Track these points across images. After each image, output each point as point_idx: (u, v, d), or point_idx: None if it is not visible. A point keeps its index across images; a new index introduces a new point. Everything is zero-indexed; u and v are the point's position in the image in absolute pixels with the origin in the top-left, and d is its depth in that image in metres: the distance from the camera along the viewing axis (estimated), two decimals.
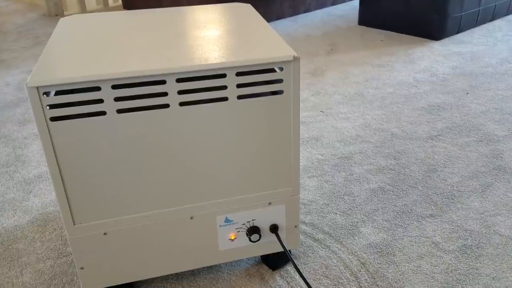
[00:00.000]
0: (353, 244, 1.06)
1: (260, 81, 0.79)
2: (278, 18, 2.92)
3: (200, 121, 0.79)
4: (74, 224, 0.82)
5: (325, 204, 1.20)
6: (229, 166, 0.84)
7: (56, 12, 3.25)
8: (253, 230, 0.91)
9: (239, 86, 0.78)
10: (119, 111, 0.75)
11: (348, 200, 1.21)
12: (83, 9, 3.29)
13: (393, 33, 2.57)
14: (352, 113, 1.68)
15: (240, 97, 0.79)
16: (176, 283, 0.98)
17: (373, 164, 1.37)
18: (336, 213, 1.17)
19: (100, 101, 0.73)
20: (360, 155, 1.41)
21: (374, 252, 1.04)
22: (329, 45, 2.42)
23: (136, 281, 0.97)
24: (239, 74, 0.77)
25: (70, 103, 0.73)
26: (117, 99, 0.74)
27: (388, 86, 1.91)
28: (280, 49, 0.80)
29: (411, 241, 1.07)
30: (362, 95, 1.82)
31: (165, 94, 0.75)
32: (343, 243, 1.07)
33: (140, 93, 0.74)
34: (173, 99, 0.76)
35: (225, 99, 0.78)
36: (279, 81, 0.80)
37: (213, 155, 0.83)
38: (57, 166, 0.76)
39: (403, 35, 2.53)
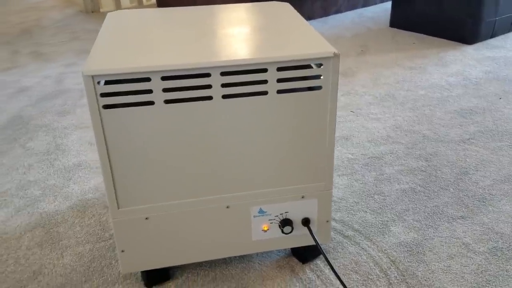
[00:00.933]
0: (383, 242, 1.08)
1: (299, 76, 0.82)
2: (309, 18, 2.93)
3: (240, 114, 0.82)
4: (119, 208, 0.86)
5: (355, 202, 1.22)
6: (265, 159, 0.87)
7: (93, 9, 3.35)
8: (285, 222, 0.94)
9: (279, 80, 0.81)
10: (167, 101, 0.78)
11: (379, 199, 1.23)
12: (118, 7, 3.38)
13: (425, 36, 2.56)
14: (383, 114, 1.69)
15: (279, 91, 0.82)
16: (209, 270, 1.01)
17: (404, 165, 1.38)
18: (366, 212, 1.18)
19: (150, 91, 0.77)
20: (390, 156, 1.42)
21: (404, 251, 1.05)
22: (360, 46, 2.42)
23: (171, 266, 1.01)
24: (280, 69, 0.79)
25: (122, 92, 0.77)
26: (165, 90, 0.77)
27: (420, 88, 1.90)
28: (320, 45, 0.82)
29: (441, 242, 1.08)
30: (393, 97, 1.83)
31: (209, 86, 0.79)
32: (373, 240, 1.08)
33: (186, 85, 0.78)
34: (217, 91, 0.79)
35: (265, 93, 0.81)
36: (317, 77, 0.82)
37: (251, 147, 0.85)
38: (106, 151, 0.80)
39: (435, 38, 2.52)
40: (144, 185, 0.85)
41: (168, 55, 0.79)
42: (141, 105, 0.78)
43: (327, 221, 0.97)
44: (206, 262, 1.03)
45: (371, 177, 1.32)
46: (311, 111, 0.84)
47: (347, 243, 1.08)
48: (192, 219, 0.90)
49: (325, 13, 3.02)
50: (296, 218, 0.95)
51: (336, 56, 0.80)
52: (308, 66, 0.84)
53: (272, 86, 0.81)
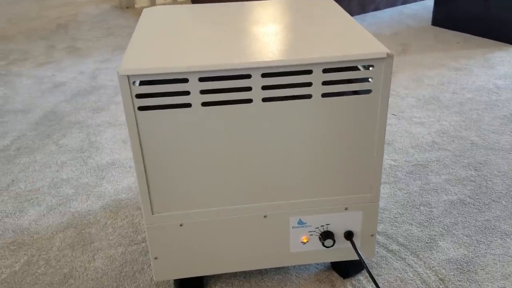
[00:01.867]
0: (430, 258, 1.00)
1: (346, 79, 0.75)
2: None
3: (282, 118, 0.76)
4: (153, 214, 0.82)
5: (399, 213, 1.14)
6: (307, 167, 0.81)
7: (127, 5, 3.35)
8: (326, 235, 0.88)
9: (324, 83, 0.74)
10: (204, 104, 0.74)
11: (425, 211, 1.15)
12: (153, 3, 3.37)
13: (469, 35, 2.43)
14: (427, 118, 1.60)
15: (324, 95, 0.75)
16: (244, 281, 0.96)
17: (452, 174, 1.29)
18: (411, 224, 1.10)
19: (187, 93, 0.72)
20: (437, 164, 1.34)
21: (454, 269, 0.97)
22: (400, 45, 2.32)
23: (205, 275, 0.96)
24: (325, 70, 0.73)
25: (158, 93, 0.73)
26: (202, 92, 0.72)
27: (467, 91, 1.80)
28: (371, 45, 0.75)
29: (494, 260, 0.99)
30: (438, 99, 1.73)
31: (249, 88, 0.73)
32: (420, 256, 1.01)
33: (225, 87, 0.73)
34: (257, 94, 0.74)
35: (309, 96, 0.75)
36: (365, 79, 0.76)
37: (291, 154, 0.80)
38: (141, 154, 0.76)
39: (481, 38, 2.39)
40: (179, 191, 0.80)
41: (206, 55, 0.74)
42: (178, 108, 0.73)
43: (372, 235, 0.90)
44: (241, 272, 0.98)
45: (416, 186, 1.24)
46: (359, 117, 0.78)
47: (391, 258, 1.01)
48: (228, 228, 0.85)
49: (363, 10, 2.92)
50: (338, 231, 0.89)
51: (389, 57, 0.73)
52: (356, 68, 0.77)
53: (316, 89, 0.74)
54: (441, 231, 1.08)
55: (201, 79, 0.71)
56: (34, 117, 1.68)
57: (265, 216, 0.85)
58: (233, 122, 0.76)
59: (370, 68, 0.75)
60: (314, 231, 0.88)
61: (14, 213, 1.18)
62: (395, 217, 1.13)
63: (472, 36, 2.42)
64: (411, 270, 0.97)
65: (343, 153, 0.81)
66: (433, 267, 0.98)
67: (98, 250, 1.06)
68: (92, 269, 1.00)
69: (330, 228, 0.88)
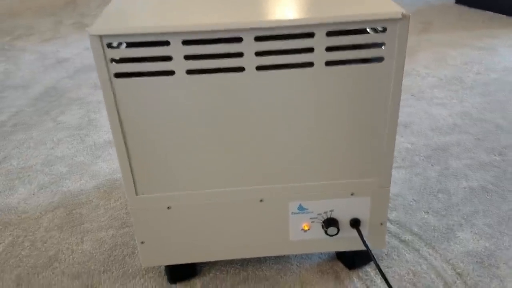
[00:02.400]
0: (447, 250, 0.90)
1: (353, 44, 0.65)
2: None
3: (279, 90, 0.67)
4: (137, 195, 0.74)
5: (414, 200, 1.04)
6: (308, 146, 0.72)
7: None
8: (330, 222, 0.79)
9: (328, 49, 0.64)
10: (189, 71, 0.65)
11: (443, 198, 1.04)
12: None
13: (494, 14, 2.27)
14: (449, 98, 1.48)
15: (328, 63, 0.66)
16: (240, 269, 0.88)
17: (474, 158, 1.18)
18: (427, 212, 1.00)
19: (169, 58, 0.64)
20: (457, 147, 1.22)
21: (473, 262, 0.87)
22: (422, 23, 2.18)
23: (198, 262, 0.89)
24: (330, 34, 0.63)
25: (136, 58, 0.64)
26: (187, 57, 0.64)
27: (492, 71, 1.67)
28: (383, 4, 0.65)
29: None
30: (460, 80, 1.61)
31: (240, 54, 0.64)
32: (436, 248, 0.91)
33: (212, 52, 0.64)
34: (250, 61, 0.64)
35: (310, 64, 0.66)
36: (377, 45, 0.66)
37: (290, 131, 0.70)
38: (120, 129, 0.68)
39: (506, 16, 2.23)
40: (165, 171, 0.72)
41: (191, 15, 0.65)
42: (160, 75, 0.65)
43: (382, 224, 0.81)
44: (237, 259, 0.90)
45: (434, 171, 1.13)
46: (369, 90, 0.68)
47: (404, 249, 0.91)
48: (220, 212, 0.77)
49: None
50: (343, 218, 0.80)
51: (405, 18, 0.63)
52: (365, 31, 0.67)
53: (319, 56, 0.65)
54: (460, 221, 0.98)
55: (185, 42, 0.62)
56: (34, 93, 1.62)
57: (261, 200, 0.77)
58: (222, 94, 0.67)
59: (383, 32, 0.65)
60: (316, 217, 0.80)
61: (4, 191, 1.13)
62: (410, 204, 1.03)
63: (497, 14, 2.27)
64: (425, 262, 0.88)
65: (349, 131, 0.71)
66: (450, 260, 0.88)
67: (87, 232, 0.99)
68: (80, 252, 0.94)
69: (334, 215, 0.80)
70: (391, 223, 0.98)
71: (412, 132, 1.31)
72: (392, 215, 1.00)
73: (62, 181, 1.15)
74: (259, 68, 0.65)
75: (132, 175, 0.72)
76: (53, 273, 0.89)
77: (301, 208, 0.78)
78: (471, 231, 0.95)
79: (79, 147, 1.30)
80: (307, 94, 0.68)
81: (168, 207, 0.76)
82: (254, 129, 0.70)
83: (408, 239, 0.93)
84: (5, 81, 1.73)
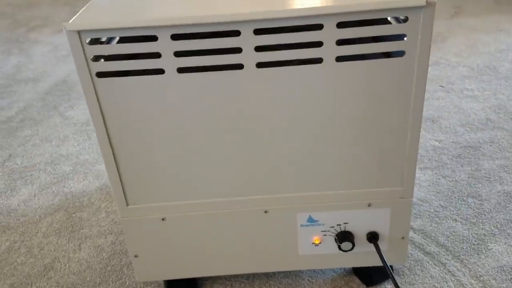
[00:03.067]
0: (478, 265, 0.81)
1: (369, 37, 0.56)
2: None
3: (283, 90, 0.58)
4: (128, 205, 0.68)
5: (442, 206, 0.94)
6: (318, 151, 0.64)
7: None
8: (344, 236, 0.70)
9: (339, 43, 0.55)
10: (180, 70, 0.57)
11: (474, 204, 0.94)
12: None
13: None
14: (482, 90, 1.36)
15: (339, 58, 0.57)
16: (246, 283, 0.81)
17: (509, 158, 1.06)
18: (456, 220, 0.91)
19: (157, 55, 0.56)
20: (491, 146, 1.11)
21: (507, 279, 0.78)
22: (453, 7, 2.04)
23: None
24: (341, 25, 0.54)
25: (121, 55, 0.57)
26: (177, 54, 0.56)
27: None
28: None
29: None
30: (494, 69, 1.48)
31: (238, 50, 0.56)
32: (465, 261, 0.82)
33: (206, 48, 0.55)
34: (249, 57, 0.56)
35: (319, 60, 0.57)
36: (397, 37, 0.56)
37: (297, 135, 0.62)
38: (106, 133, 0.61)
39: None
40: (158, 178, 0.65)
41: (182, 6, 0.57)
42: (147, 74, 0.57)
43: (403, 238, 0.72)
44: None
45: (465, 173, 1.03)
46: (387, 88, 0.59)
47: (428, 262, 0.82)
48: (220, 224, 0.70)
49: None
50: (359, 231, 0.71)
51: (430, 5, 0.53)
52: (384, 21, 0.58)
53: (329, 51, 0.56)
54: (492, 230, 0.88)
55: (175, 37, 0.55)
56: (44, 87, 1.58)
57: (265, 212, 0.69)
58: (219, 94, 0.59)
59: (403, 21, 0.55)
60: (329, 230, 0.71)
61: (5, 192, 1.08)
62: (436, 211, 0.93)
63: None
64: (453, 279, 0.78)
65: (365, 135, 0.62)
66: (481, 276, 0.79)
67: (86, 238, 0.93)
68: (76, 260, 0.88)
69: (349, 228, 0.71)
70: (415, 232, 0.88)
71: (440, 128, 1.20)
72: (416, 223, 0.90)
73: (65, 181, 1.10)
74: (260, 65, 0.57)
75: (122, 183, 0.65)
76: (47, 283, 0.84)
77: (311, 220, 0.70)
78: (505, 243, 0.85)
79: (85, 144, 1.25)
80: (315, 93, 0.59)
81: (162, 219, 0.69)
82: (256, 133, 0.62)
83: (433, 251, 0.84)
84: (17, 75, 1.69)
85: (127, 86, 0.58)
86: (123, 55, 0.56)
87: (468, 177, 1.01)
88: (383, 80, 0.58)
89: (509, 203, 0.94)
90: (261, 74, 0.57)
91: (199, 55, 0.56)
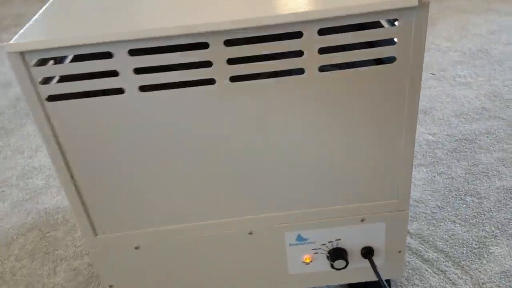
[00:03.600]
0: (479, 271, 0.76)
1: (352, 43, 0.50)
2: None
3: (262, 105, 0.52)
4: (96, 235, 0.61)
5: (439, 206, 0.89)
6: (305, 167, 0.58)
7: None
8: (337, 254, 0.65)
9: (322, 51, 0.49)
10: (142, 88, 0.50)
11: (472, 203, 0.89)
12: None
13: None
14: (475, 76, 1.30)
15: (323, 68, 0.50)
16: None
17: (507, 150, 1.01)
18: (454, 222, 0.86)
19: (114, 73, 0.49)
20: (487, 137, 1.06)
21: (511, 286, 0.73)
22: None
23: None
24: (323, 32, 0.48)
25: (73, 76, 0.50)
26: (138, 71, 0.49)
27: None
28: None
29: None
30: (487, 53, 1.42)
31: (208, 64, 0.49)
32: (465, 268, 0.77)
33: (171, 63, 0.49)
34: (221, 71, 0.49)
35: (300, 71, 0.50)
36: (387, 42, 0.50)
37: (281, 151, 0.56)
38: (63, 161, 0.54)
39: None
40: (128, 205, 0.59)
41: (140, 18, 0.50)
42: (106, 95, 0.50)
43: (400, 252, 0.67)
44: None
45: (461, 168, 0.98)
46: (377, 98, 0.53)
47: (427, 270, 0.77)
48: (200, 250, 0.64)
49: None
50: (353, 247, 0.66)
51: (423, 5, 0.47)
52: (371, 25, 0.51)
53: (311, 61, 0.49)
54: (493, 231, 0.83)
55: (133, 52, 0.48)
56: (16, 91, 1.49)
57: (250, 233, 0.63)
58: (189, 112, 0.52)
59: (393, 24, 0.49)
60: (320, 248, 0.66)
61: None
62: (433, 212, 0.88)
63: None
64: None
65: (356, 148, 0.56)
66: (484, 284, 0.74)
67: (61, 260, 0.87)
68: (51, 286, 0.82)
69: (342, 244, 0.66)
70: (412, 237, 0.83)
71: (433, 119, 1.14)
72: (412, 227, 0.85)
73: (38, 197, 1.03)
74: (233, 79, 0.50)
75: (87, 213, 0.59)
76: None
77: (300, 238, 0.65)
78: (508, 245, 0.80)
79: None
80: (298, 107, 0.53)
81: (136, 247, 0.62)
82: (233, 150, 0.56)
83: (432, 258, 0.79)
84: None
85: (84, 109, 0.51)
86: (77, 75, 0.50)
87: (465, 173, 0.96)
88: (373, 89, 0.52)
89: (509, 201, 0.89)
90: (235, 89, 0.51)
91: (163, 71, 0.49)
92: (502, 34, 1.52)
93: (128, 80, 0.49)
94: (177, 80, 0.50)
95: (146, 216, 0.60)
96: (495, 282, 0.74)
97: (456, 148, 1.03)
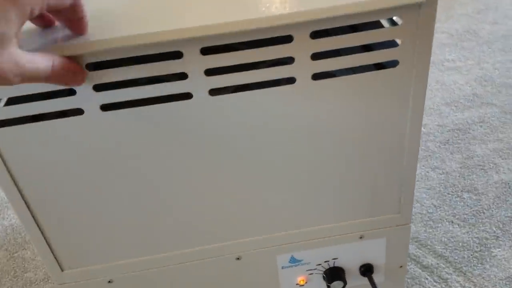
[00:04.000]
0: (483, 277, 0.71)
1: (349, 47, 0.43)
2: None
3: (247, 120, 0.45)
4: (63, 270, 0.54)
5: (435, 206, 0.84)
6: (298, 184, 0.51)
7: None
8: (334, 275, 0.59)
9: (315, 57, 0.42)
10: (105, 107, 0.42)
11: (470, 201, 0.84)
12: None
13: None
14: (464, 60, 1.25)
15: (316, 76, 0.43)
16: None
17: (503, 140, 0.97)
18: (453, 222, 0.81)
19: (72, 92, 0.41)
20: (481, 126, 1.01)
21: None
22: None
23: None
24: (316, 34, 0.41)
25: (23, 97, 0.42)
26: (98, 87, 0.41)
27: (511, 19, 1.42)
28: None
29: None
30: (475, 34, 1.36)
31: (183, 76, 0.41)
32: (468, 274, 0.72)
33: (140, 76, 0.41)
34: (198, 84, 0.42)
35: (291, 80, 0.43)
36: (388, 44, 0.43)
37: (271, 168, 0.49)
38: (19, 194, 0.47)
39: None
40: (96, 236, 0.52)
41: (102, 25, 0.41)
42: (62, 117, 0.43)
43: (401, 267, 0.61)
44: None
45: (456, 162, 0.93)
46: (378, 106, 0.46)
47: (427, 279, 0.72)
48: (181, 280, 0.57)
49: None
50: (351, 266, 0.60)
51: (431, 1, 0.40)
52: (370, 26, 0.44)
53: (303, 68, 0.42)
54: (494, 232, 0.78)
55: (92, 66, 0.40)
56: None
57: (238, 258, 0.56)
58: (163, 132, 0.45)
59: (395, 24, 0.42)
60: (315, 269, 0.60)
61: None
62: (430, 212, 0.83)
63: None
64: None
65: (355, 160, 0.50)
66: None
67: (31, 283, 0.79)
68: None
69: (339, 263, 0.60)
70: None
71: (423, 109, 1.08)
72: None
73: (4, 212, 0.95)
74: (213, 92, 0.43)
75: (50, 248, 0.51)
76: None
77: (293, 260, 0.58)
78: (511, 246, 0.76)
79: None
80: (289, 120, 0.46)
81: (109, 281, 0.55)
82: (215, 170, 0.49)
83: (432, 264, 0.74)
84: None
85: (37, 133, 0.43)
86: (29, 95, 0.41)
87: (460, 167, 0.91)
88: (372, 97, 0.45)
89: (509, 196, 0.84)
90: (215, 103, 0.43)
91: (128, 86, 0.42)
92: (489, 12, 1.47)
93: (88, 98, 0.41)
94: (144, 96, 0.42)
95: (118, 247, 0.53)
96: (500, 287, 0.70)
97: (448, 140, 0.98)
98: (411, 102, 0.46)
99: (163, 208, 0.50)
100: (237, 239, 0.55)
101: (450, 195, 0.86)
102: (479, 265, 0.73)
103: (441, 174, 0.90)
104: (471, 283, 0.71)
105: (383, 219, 0.56)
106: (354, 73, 0.44)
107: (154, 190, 0.49)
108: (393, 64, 0.44)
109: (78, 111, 0.42)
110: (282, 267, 0.59)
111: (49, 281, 0.80)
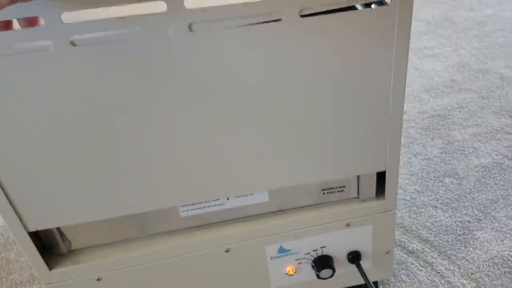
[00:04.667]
0: (467, 260, 0.73)
1: None
2: None
3: (227, 60, 0.43)
4: (51, 270, 0.53)
5: (418, 191, 0.85)
6: (281, 129, 0.51)
7: None
8: (322, 263, 0.60)
9: None
10: (75, 42, 0.40)
11: (452, 185, 0.86)
12: None
13: None
14: (441, 47, 1.26)
15: (305, 14, 0.42)
16: None
17: (481, 125, 0.98)
18: (436, 207, 0.82)
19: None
20: (459, 112, 1.03)
21: (500, 274, 0.70)
22: None
23: None
24: None
25: None
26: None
27: (486, 5, 1.44)
28: None
29: None
30: (451, 21, 1.38)
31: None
32: (452, 258, 0.74)
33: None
34: (177, 18, 0.41)
35: (276, 19, 0.42)
36: None
37: (253, 109, 0.48)
38: None
39: None
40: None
41: None
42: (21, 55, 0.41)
43: (388, 252, 0.62)
44: None
45: (436, 148, 0.94)
46: (363, 50, 0.45)
47: (413, 264, 0.73)
48: (170, 275, 0.57)
49: None
50: (339, 253, 0.61)
51: None
52: None
53: (289, 5, 0.41)
54: (476, 215, 0.80)
55: None
56: None
57: (227, 251, 0.56)
58: (136, 74, 0.43)
59: None
60: (304, 258, 0.60)
61: None
62: (413, 198, 0.84)
63: None
64: (443, 281, 0.70)
65: (339, 105, 0.48)
66: (472, 274, 0.71)
67: (17, 285, 0.78)
68: None
69: (327, 251, 0.60)
70: None
71: None
72: None
73: None
74: (192, 27, 0.41)
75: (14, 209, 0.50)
76: None
77: (282, 250, 0.59)
78: (492, 228, 0.77)
79: None
80: (270, 64, 0.44)
81: (97, 279, 0.55)
82: (196, 115, 0.48)
83: (417, 249, 0.75)
84: None
85: None
86: None
87: (441, 153, 0.93)
88: (359, 39, 0.43)
89: (489, 179, 0.86)
90: (198, 40, 0.41)
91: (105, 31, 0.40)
92: None
93: (55, 31, 0.40)
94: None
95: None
96: (484, 271, 0.71)
97: (429, 126, 1.00)
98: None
99: (138, 160, 0.49)
100: (226, 231, 0.54)
101: (432, 180, 0.87)
102: (463, 248, 0.75)
103: (423, 160, 0.92)
104: (456, 266, 0.73)
105: (368, 206, 0.57)
106: (342, 12, 0.42)
107: (134, 138, 0.46)
108: (380, 2, 0.43)
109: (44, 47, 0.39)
110: (271, 258, 0.59)
111: (36, 281, 0.78)
